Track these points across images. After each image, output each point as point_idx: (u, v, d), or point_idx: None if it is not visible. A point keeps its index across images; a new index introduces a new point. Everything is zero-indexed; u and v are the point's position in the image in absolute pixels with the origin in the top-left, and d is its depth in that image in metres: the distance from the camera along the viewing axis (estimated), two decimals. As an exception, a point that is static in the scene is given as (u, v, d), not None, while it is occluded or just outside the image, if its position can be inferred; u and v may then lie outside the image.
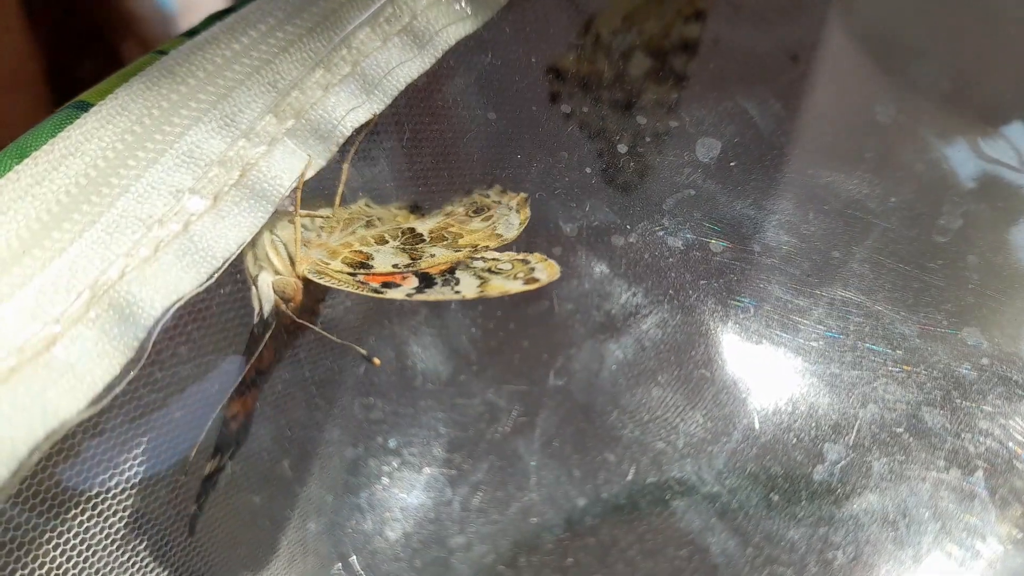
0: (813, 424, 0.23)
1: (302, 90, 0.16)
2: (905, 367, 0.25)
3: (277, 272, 0.16)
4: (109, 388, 0.13)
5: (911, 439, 0.23)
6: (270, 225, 0.16)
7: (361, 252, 0.17)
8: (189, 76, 0.15)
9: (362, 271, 0.16)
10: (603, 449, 0.22)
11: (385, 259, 0.17)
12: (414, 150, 0.22)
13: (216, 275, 0.14)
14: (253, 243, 0.16)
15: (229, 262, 0.14)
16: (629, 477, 0.22)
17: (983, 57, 0.27)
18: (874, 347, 0.25)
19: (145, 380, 0.16)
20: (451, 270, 0.17)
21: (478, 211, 0.19)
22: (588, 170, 0.24)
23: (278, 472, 0.20)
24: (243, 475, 0.18)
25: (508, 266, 0.17)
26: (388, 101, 0.17)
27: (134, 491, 0.17)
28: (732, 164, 0.26)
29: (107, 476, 0.16)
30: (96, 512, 0.16)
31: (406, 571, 0.20)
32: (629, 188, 0.25)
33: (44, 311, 0.13)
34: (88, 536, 0.16)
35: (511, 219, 0.18)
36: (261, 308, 0.16)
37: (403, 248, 0.17)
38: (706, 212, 0.25)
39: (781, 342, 0.24)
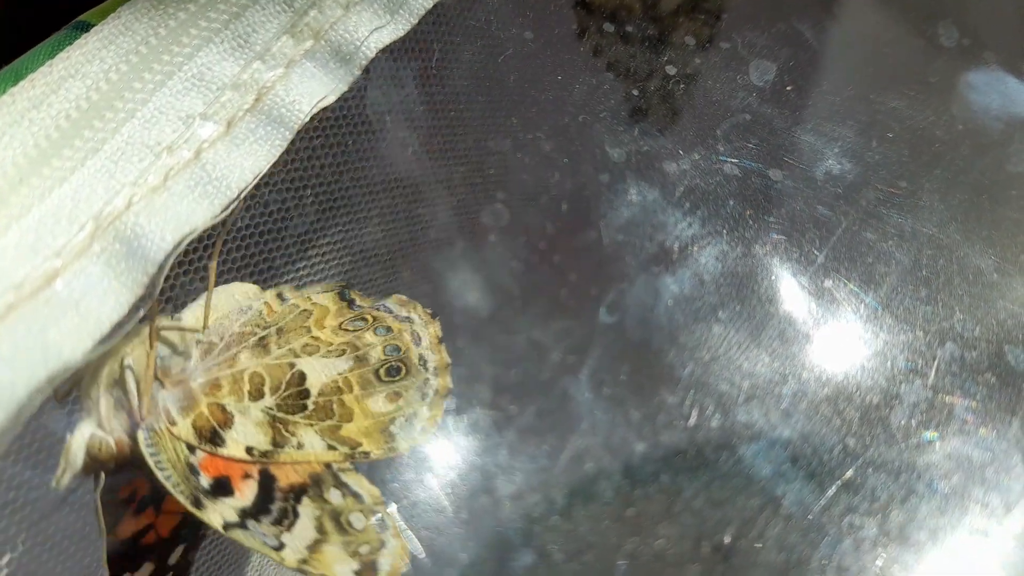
0: (888, 364, 0.21)
1: (320, 9, 0.15)
2: (983, 303, 0.23)
3: (100, 424, 0.13)
4: (117, 328, 0.12)
5: (994, 379, 0.22)
6: (123, 345, 0.13)
7: (223, 410, 0.14)
8: (197, -7, 0.14)
9: (208, 446, 0.14)
10: (661, 390, 0.20)
11: (246, 431, 0.14)
12: (445, 72, 0.20)
13: (231, 207, 0.13)
14: (95, 369, 0.13)
15: (245, 193, 0.13)
16: (692, 421, 0.20)
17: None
18: (949, 282, 0.23)
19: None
20: (300, 492, 0.14)
21: (390, 372, 0.15)
22: (636, 92, 0.22)
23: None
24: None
25: (360, 523, 0.14)
26: (414, 21, 0.16)
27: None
28: (788, 88, 0.24)
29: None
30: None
31: (452, 524, 0.19)
32: (680, 112, 0.23)
33: (44, 244, 0.12)
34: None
35: (419, 411, 0.15)
36: (64, 471, 0.13)
37: (275, 416, 0.14)
38: (763, 138, 0.23)
39: (850, 275, 0.22)
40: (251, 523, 0.13)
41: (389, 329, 0.16)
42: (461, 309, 0.19)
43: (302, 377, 0.15)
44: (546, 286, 0.20)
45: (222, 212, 0.13)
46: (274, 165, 0.14)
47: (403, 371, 0.15)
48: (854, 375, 0.20)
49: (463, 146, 0.21)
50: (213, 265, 0.15)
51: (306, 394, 0.15)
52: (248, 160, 0.14)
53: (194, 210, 0.13)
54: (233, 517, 0.13)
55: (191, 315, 0.14)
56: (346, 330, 0.15)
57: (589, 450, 0.19)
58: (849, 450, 0.20)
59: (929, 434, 0.20)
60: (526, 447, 0.19)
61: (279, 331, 0.15)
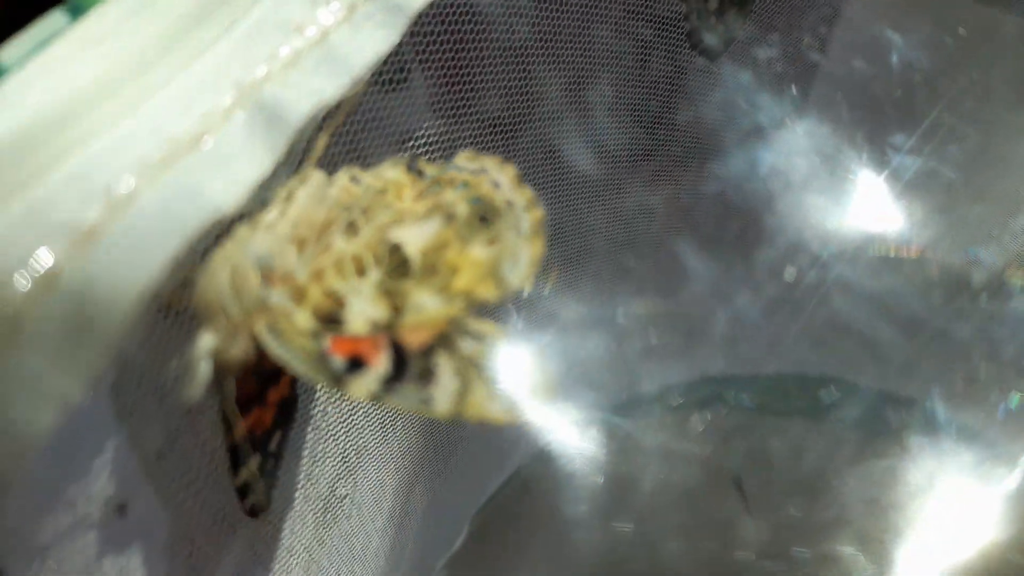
0: (965, 230, 0.22)
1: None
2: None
3: (222, 330, 0.13)
4: (261, 187, 0.13)
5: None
6: (237, 242, 0.13)
7: (334, 293, 0.14)
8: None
9: (332, 329, 0.14)
10: (761, 250, 0.22)
11: (362, 308, 0.14)
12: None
13: (358, 83, 0.14)
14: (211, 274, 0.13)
15: (369, 72, 0.14)
16: (789, 277, 0.22)
17: None
18: (1020, 160, 0.25)
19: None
20: (432, 348, 0.14)
21: (483, 219, 0.15)
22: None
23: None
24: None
25: (487, 362, 0.14)
26: None
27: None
28: (868, -14, 0.25)
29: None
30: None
31: (576, 364, 0.20)
32: (768, 6, 0.25)
33: (192, 108, 0.13)
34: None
35: (520, 248, 0.15)
36: (193, 383, 0.13)
37: (386, 287, 0.14)
38: (845, 31, 0.25)
39: (928, 153, 0.24)
40: (397, 387, 0.14)
41: (466, 184, 0.16)
42: (575, 174, 0.21)
43: (397, 246, 0.15)
44: (652, 156, 0.22)
45: (350, 86, 0.14)
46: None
47: (491, 217, 0.15)
48: (936, 241, 0.22)
49: (569, 32, 0.23)
50: (323, 141, 0.15)
51: (407, 260, 0.15)
52: (369, 43, 0.14)
53: (325, 84, 0.14)
54: (377, 387, 0.13)
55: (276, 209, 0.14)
56: (426, 197, 0.16)
57: (697, 300, 0.21)
58: (933, 304, 0.21)
59: (1006, 289, 0.22)
60: (641, 294, 0.21)
61: (364, 211, 0.15)
